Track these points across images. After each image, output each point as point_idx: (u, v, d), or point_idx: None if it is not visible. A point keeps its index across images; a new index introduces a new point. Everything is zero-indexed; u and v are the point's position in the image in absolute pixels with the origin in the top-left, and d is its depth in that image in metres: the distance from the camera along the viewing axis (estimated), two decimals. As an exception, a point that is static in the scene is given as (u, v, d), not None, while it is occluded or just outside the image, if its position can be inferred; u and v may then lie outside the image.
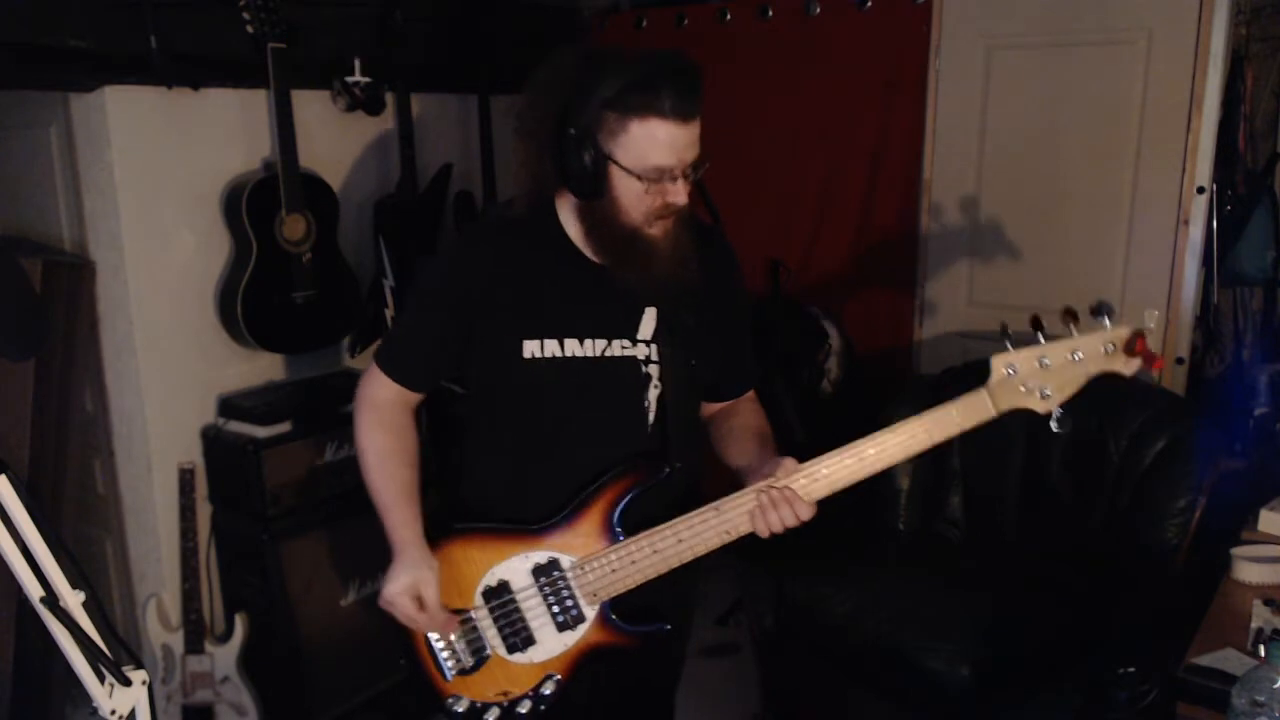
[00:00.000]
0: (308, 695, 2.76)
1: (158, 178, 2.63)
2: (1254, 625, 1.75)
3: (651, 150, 1.37)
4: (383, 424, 1.58)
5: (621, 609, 1.52)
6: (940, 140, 3.17)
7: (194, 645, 2.69)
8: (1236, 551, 1.98)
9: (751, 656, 3.07)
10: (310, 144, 2.80)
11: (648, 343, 1.53)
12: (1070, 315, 1.31)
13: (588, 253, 1.51)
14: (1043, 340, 1.33)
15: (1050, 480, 2.68)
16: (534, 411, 1.54)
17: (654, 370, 1.53)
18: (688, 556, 1.47)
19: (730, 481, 1.50)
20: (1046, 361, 1.33)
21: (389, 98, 3.02)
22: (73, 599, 1.30)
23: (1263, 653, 1.32)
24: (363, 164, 3.11)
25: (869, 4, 3.23)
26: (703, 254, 1.52)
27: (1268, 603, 1.81)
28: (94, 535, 2.95)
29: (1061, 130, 2.95)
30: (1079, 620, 2.35)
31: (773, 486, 1.42)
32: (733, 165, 3.56)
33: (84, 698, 1.35)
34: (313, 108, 2.89)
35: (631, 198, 1.41)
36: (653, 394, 1.53)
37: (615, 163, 1.39)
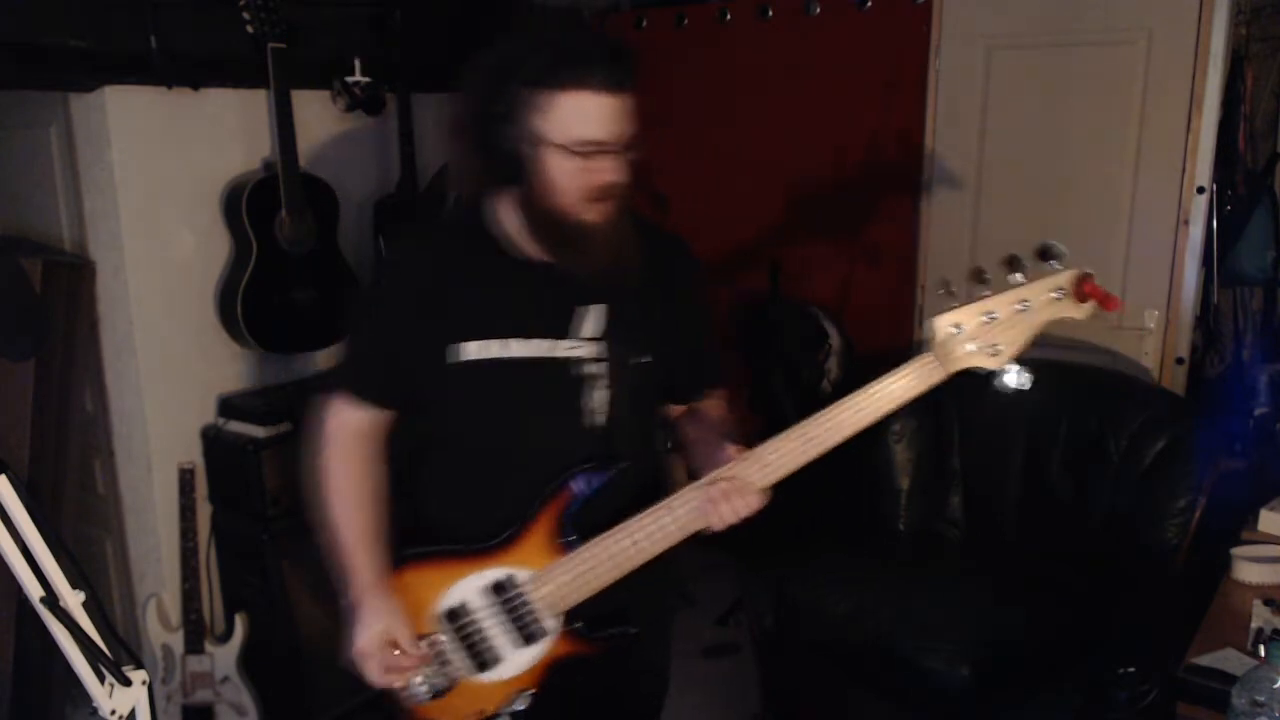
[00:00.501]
0: (308, 695, 2.76)
1: (158, 178, 2.63)
2: (1254, 625, 1.75)
3: (581, 124, 1.32)
4: (344, 454, 1.51)
5: (585, 617, 1.48)
6: (940, 140, 3.16)
7: (194, 645, 2.69)
8: (1236, 551, 1.98)
9: (751, 656, 3.07)
10: (310, 144, 2.80)
11: (595, 341, 1.46)
12: (1014, 264, 1.26)
13: (528, 251, 1.45)
14: (988, 293, 1.27)
15: (1050, 480, 2.68)
16: (477, 418, 1.48)
17: (601, 369, 1.47)
18: (644, 558, 1.42)
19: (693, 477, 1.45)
20: (994, 315, 1.26)
21: (389, 98, 3.02)
22: (73, 599, 1.29)
23: (1263, 653, 1.32)
24: (363, 164, 3.11)
25: (869, 4, 3.23)
26: (653, 250, 1.47)
27: (1268, 603, 1.81)
28: (94, 535, 2.95)
29: (1061, 130, 2.95)
30: (1079, 620, 2.35)
31: (719, 478, 1.37)
32: (733, 165, 3.57)
33: (84, 698, 1.34)
34: (313, 108, 2.89)
35: (565, 178, 1.35)
36: (601, 394, 1.48)
37: (545, 140, 1.34)
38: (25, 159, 2.85)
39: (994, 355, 1.27)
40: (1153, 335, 2.87)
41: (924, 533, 2.84)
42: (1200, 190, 2.76)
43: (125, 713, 1.35)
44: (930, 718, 2.35)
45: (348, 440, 1.52)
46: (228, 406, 2.79)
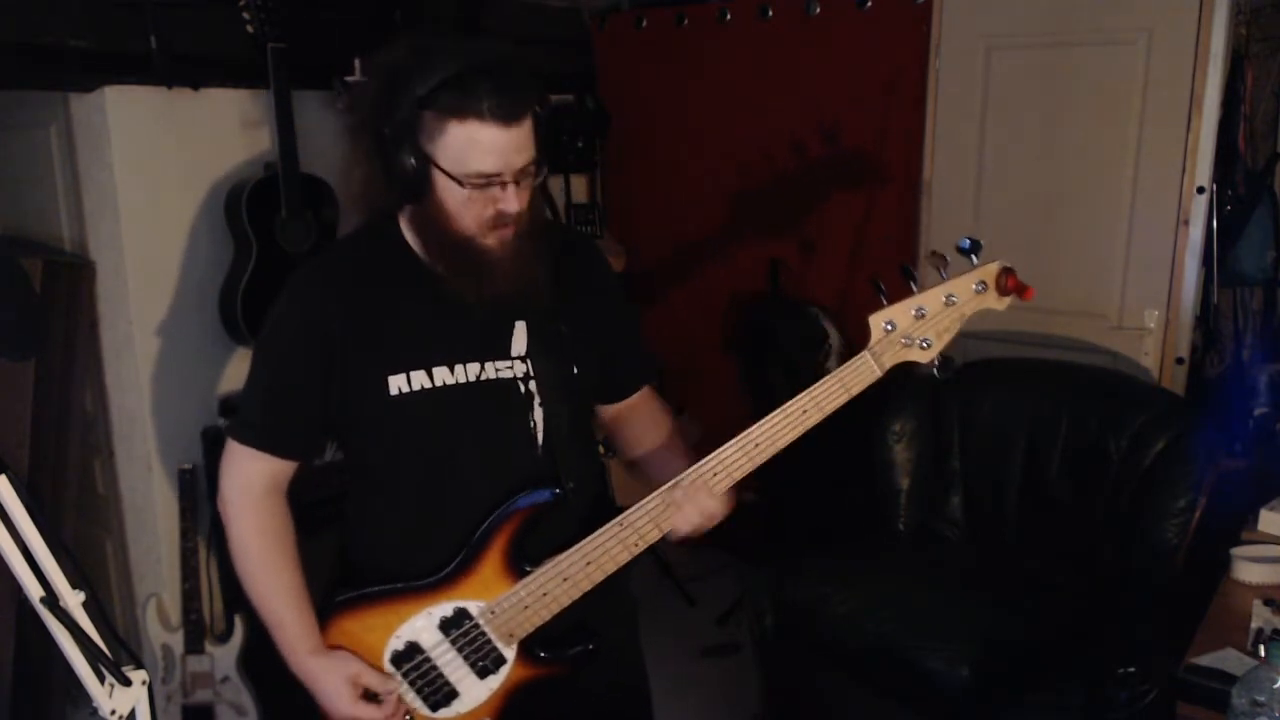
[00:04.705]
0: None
1: (158, 178, 2.63)
2: (1254, 625, 1.75)
3: (472, 155, 1.25)
4: (259, 522, 1.43)
5: (544, 639, 1.44)
6: (940, 140, 3.17)
7: (194, 645, 2.68)
8: (1236, 551, 1.98)
9: (751, 656, 3.06)
10: (310, 144, 2.79)
11: (523, 359, 1.42)
12: (938, 259, 1.29)
13: (440, 269, 1.39)
14: (915, 290, 1.30)
15: (1050, 480, 2.68)
16: (412, 453, 1.41)
17: (533, 387, 1.42)
18: (599, 576, 1.39)
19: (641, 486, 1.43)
20: (923, 311, 1.30)
21: (389, 98, 3.02)
22: (73, 599, 1.29)
23: (1263, 653, 1.32)
24: (363, 164, 3.11)
25: (869, 4, 3.23)
26: (563, 257, 1.43)
27: (1268, 603, 1.81)
28: (94, 535, 2.95)
29: (1061, 130, 2.95)
30: (1079, 620, 2.35)
31: (677, 485, 1.35)
32: (733, 165, 3.57)
33: (84, 698, 1.34)
34: (313, 108, 2.88)
35: (456, 204, 1.29)
36: (538, 413, 1.43)
37: (436, 165, 1.27)
38: (25, 159, 2.85)
39: (924, 349, 1.31)
40: (1153, 335, 2.87)
41: (924, 533, 2.84)
42: (1200, 190, 2.76)
43: (125, 713, 1.34)
44: (930, 718, 2.35)
45: (255, 501, 1.44)
46: (228, 407, 2.78)
